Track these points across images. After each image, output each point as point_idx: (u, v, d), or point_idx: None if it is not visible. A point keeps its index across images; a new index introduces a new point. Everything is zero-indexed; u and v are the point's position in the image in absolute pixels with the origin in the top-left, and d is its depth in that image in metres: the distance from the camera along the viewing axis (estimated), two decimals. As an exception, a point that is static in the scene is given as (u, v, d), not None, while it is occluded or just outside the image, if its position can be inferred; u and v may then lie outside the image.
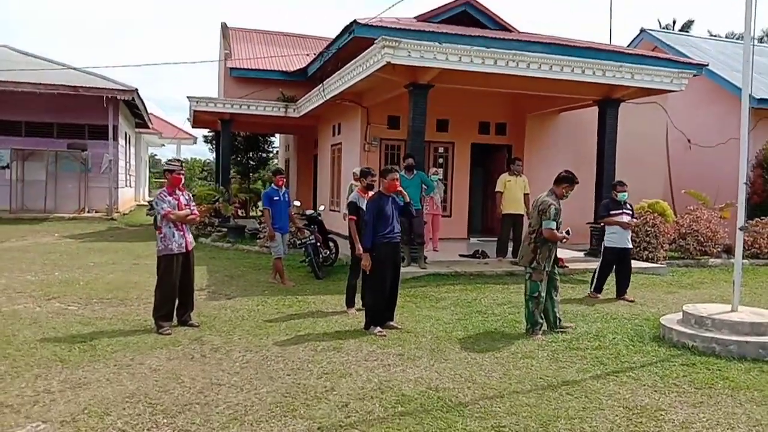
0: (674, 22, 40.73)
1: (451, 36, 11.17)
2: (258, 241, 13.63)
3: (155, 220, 6.53)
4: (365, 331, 6.52)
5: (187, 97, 15.96)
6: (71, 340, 6.06)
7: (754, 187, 14.00)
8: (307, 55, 17.12)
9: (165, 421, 4.16)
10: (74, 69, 21.22)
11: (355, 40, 12.40)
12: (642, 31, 18.76)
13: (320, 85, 13.20)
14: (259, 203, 23.68)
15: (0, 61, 20.23)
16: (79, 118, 21.46)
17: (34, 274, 9.72)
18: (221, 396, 4.62)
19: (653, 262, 11.49)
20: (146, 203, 30.71)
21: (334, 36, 14.27)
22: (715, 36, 37.94)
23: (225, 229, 15.13)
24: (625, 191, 8.76)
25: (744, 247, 12.69)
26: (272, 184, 9.44)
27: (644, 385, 5.02)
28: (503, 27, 16.56)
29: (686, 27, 39.52)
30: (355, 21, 12.08)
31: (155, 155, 51.39)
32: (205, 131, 24.22)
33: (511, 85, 11.08)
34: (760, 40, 39.66)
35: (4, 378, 4.96)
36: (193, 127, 20.52)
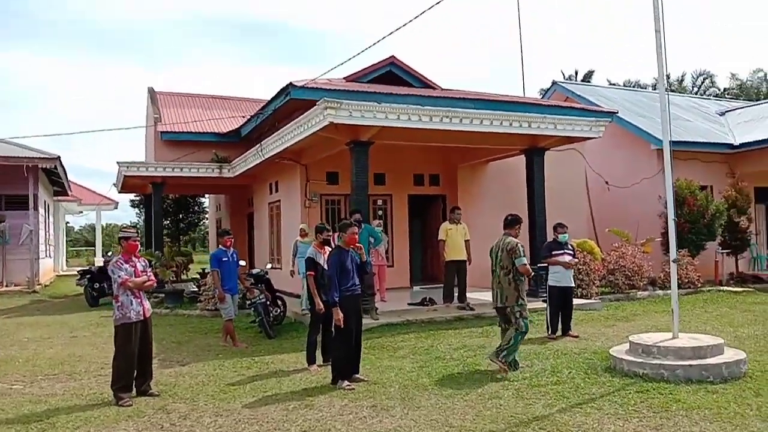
0: (576, 73, 43.88)
1: (386, 96, 11.66)
2: (198, 304, 13.31)
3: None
4: (333, 386, 6.55)
5: (117, 162, 15.68)
6: (25, 420, 5.76)
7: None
8: (243, 117, 17.25)
9: (152, 493, 4.06)
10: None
11: (291, 101, 12.70)
12: (554, 83, 20.20)
13: (258, 145, 13.35)
14: (191, 266, 23.16)
15: None
16: (-6, 188, 20.48)
17: (-36, 356, 9.11)
18: (204, 463, 4.55)
19: (587, 298, 12.12)
20: (65, 273, 29.28)
21: (260, 96, 14.56)
22: (614, 84, 41.23)
23: (162, 294, 14.70)
24: (565, 232, 9.35)
25: (666, 279, 13.77)
26: (219, 245, 9.40)
27: (607, 414, 5.34)
28: (427, 84, 17.37)
29: (588, 76, 42.67)
30: (291, 84, 12.41)
31: (68, 222, 49.33)
32: (131, 195, 23.60)
33: (444, 139, 11.67)
34: (654, 87, 43.37)
35: (-39, 468, 4.68)
36: (120, 192, 20.00)
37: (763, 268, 16.72)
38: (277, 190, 15.37)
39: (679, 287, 13.34)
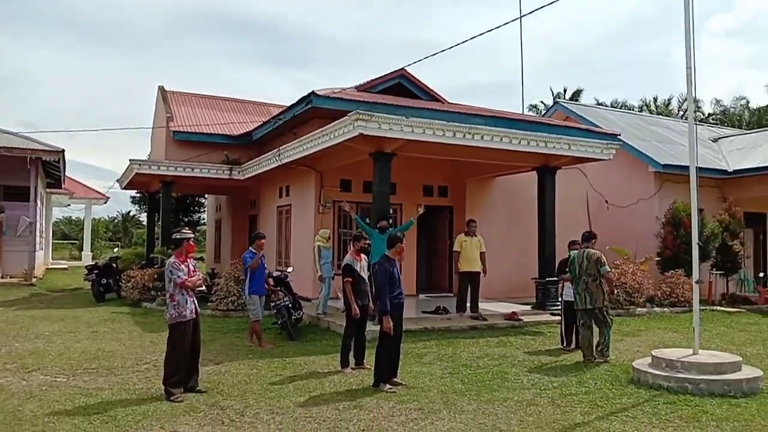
0: (565, 91, 44.76)
1: (405, 109, 12.04)
2: (209, 304, 13.49)
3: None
4: (375, 389, 6.86)
5: (130, 160, 15.80)
6: (84, 412, 5.97)
7: (666, 243, 15.73)
8: (253, 121, 17.51)
9: (242, 482, 4.34)
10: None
11: (311, 109, 13.01)
12: (555, 102, 20.81)
13: (276, 150, 13.60)
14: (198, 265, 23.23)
15: None
16: (-7, 179, 20.37)
17: (-8, 347, 9.23)
18: (279, 456, 4.83)
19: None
20: (53, 267, 29.05)
21: (272, 102, 14.74)
22: (601, 104, 42.20)
23: (170, 293, 14.82)
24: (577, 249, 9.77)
25: (663, 297, 14.32)
26: (251, 248, 9.65)
27: (643, 423, 5.75)
28: (434, 98, 17.82)
29: (576, 95, 43.58)
30: (313, 92, 12.72)
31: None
32: (133, 192, 23.62)
33: (461, 153, 12.08)
34: (640, 109, 44.45)
35: (41, 454, 4.90)
36: (123, 188, 20.05)
37: (750, 290, 17.38)
38: (287, 195, 15.62)
39: (676, 305, 14.06)
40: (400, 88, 17.36)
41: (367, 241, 8.23)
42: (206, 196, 24.13)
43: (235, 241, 20.81)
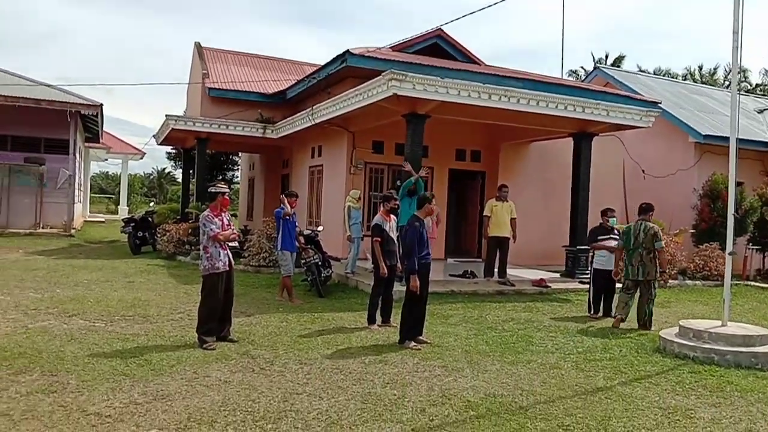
0: (606, 56, 43.47)
1: (442, 70, 11.90)
2: (241, 260, 13.78)
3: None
4: (400, 346, 7.00)
5: (166, 115, 16.02)
6: (121, 355, 6.23)
7: (702, 215, 15.41)
8: (287, 80, 17.51)
9: (270, 426, 4.52)
10: (28, 81, 20.61)
11: (346, 68, 12.95)
12: (596, 67, 20.29)
13: (309, 109, 13.64)
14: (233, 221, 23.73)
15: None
16: (35, 132, 20.93)
17: (35, 291, 9.63)
18: (306, 404, 5.00)
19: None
20: (90, 219, 29.92)
21: (305, 60, 14.68)
22: (644, 71, 40.97)
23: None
24: (614, 217, 9.71)
25: (696, 270, 14.12)
26: (283, 204, 9.79)
27: (666, 390, 5.76)
28: (471, 60, 17.53)
29: (618, 61, 42.32)
30: (348, 51, 12.63)
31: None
32: (168, 148, 23.99)
33: (496, 117, 11.92)
34: (685, 78, 43.04)
35: (81, 392, 5.14)
36: (159, 144, 20.40)
37: (787, 266, 16.98)
38: (320, 155, 15.70)
39: (708, 279, 13.85)
40: (437, 49, 17.12)
41: (397, 202, 8.25)
42: (240, 154, 24.41)
43: (267, 199, 21.09)
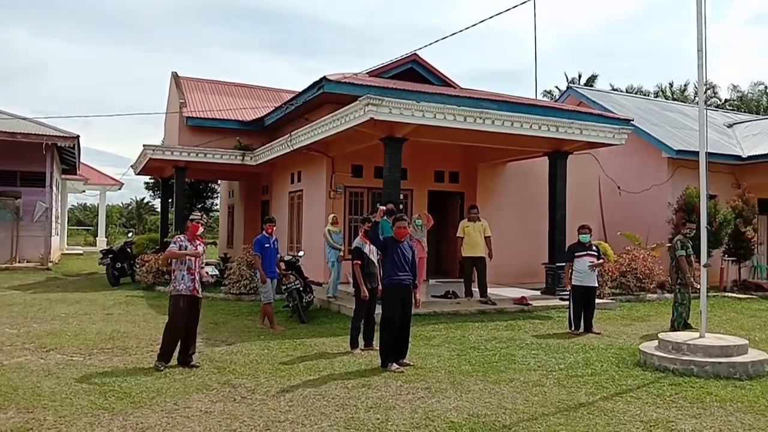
0: (580, 76, 44.32)
1: (417, 93, 12.05)
2: (222, 288, 13.68)
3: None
4: (383, 369, 6.98)
5: (144, 145, 15.98)
6: (100, 389, 6.13)
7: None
8: (265, 107, 17.59)
9: (253, 455, 4.47)
10: (3, 114, 20.41)
11: (323, 94, 13.07)
12: (569, 87, 20.66)
13: (287, 135, 13.70)
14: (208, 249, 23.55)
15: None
16: (10, 165, 20.69)
17: (11, 327, 9.45)
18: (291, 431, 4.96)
19: (600, 298, 12.59)
20: (68, 252, 29.48)
21: (282, 87, 14.80)
22: (616, 90, 41.77)
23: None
24: (587, 233, 9.79)
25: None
26: (263, 232, 9.78)
27: (647, 403, 5.81)
28: (446, 83, 17.77)
29: (591, 80, 43.18)
30: (324, 77, 12.77)
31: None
32: (146, 178, 23.87)
33: (472, 138, 12.07)
34: (656, 95, 44.03)
35: (59, 427, 5.05)
36: (137, 174, 20.28)
37: (763, 277, 17.29)
38: (299, 180, 15.73)
39: (687, 291, 14.01)
40: (412, 74, 17.34)
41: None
42: (219, 181, 24.34)
43: (247, 226, 21.02)
